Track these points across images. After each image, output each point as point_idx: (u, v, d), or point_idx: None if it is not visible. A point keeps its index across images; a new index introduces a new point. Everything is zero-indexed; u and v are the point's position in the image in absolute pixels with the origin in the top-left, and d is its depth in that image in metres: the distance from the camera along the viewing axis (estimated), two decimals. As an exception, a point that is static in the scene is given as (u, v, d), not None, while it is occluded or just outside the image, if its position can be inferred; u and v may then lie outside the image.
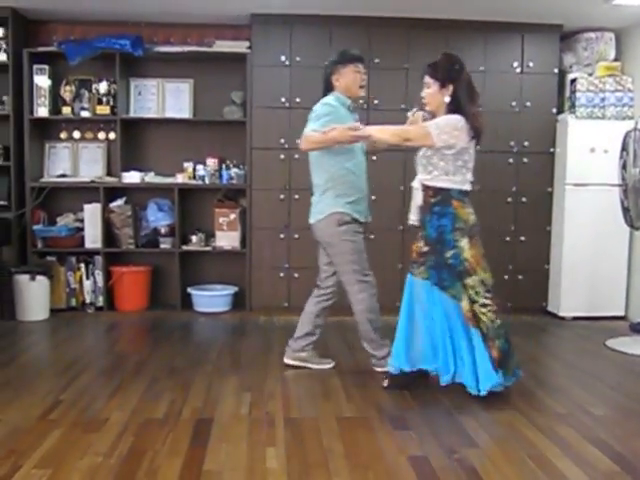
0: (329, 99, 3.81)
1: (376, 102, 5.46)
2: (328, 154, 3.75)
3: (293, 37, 5.39)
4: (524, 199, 5.65)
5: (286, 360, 4.04)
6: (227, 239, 5.62)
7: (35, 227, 5.49)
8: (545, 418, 3.24)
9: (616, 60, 5.62)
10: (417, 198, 3.54)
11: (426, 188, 3.48)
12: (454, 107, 3.43)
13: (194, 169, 5.65)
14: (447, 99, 3.44)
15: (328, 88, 3.87)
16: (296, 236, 5.50)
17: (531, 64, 5.59)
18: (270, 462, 2.69)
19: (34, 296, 5.22)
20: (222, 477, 2.54)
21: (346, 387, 3.64)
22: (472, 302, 3.41)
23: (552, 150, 5.65)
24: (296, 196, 5.46)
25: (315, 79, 5.34)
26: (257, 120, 5.48)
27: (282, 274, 5.54)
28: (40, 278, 5.23)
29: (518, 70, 5.60)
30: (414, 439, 2.94)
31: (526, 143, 5.61)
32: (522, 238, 5.67)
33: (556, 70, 5.64)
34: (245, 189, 5.57)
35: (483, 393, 3.33)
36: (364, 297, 3.84)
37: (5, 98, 5.38)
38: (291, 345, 4.04)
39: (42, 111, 5.47)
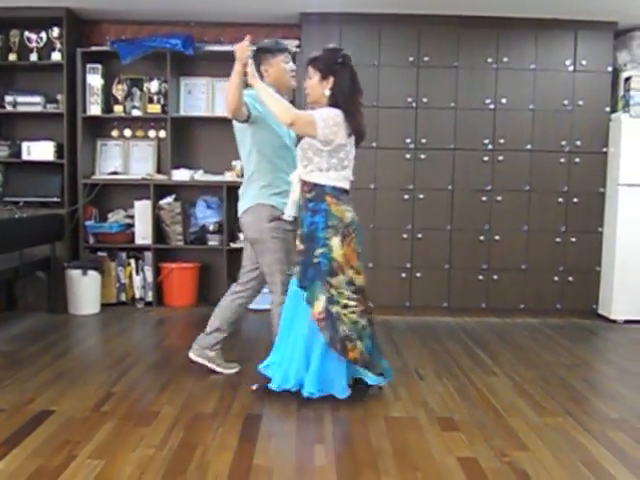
0: (252, 92, 3.50)
1: (425, 100, 5.42)
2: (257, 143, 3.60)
3: (342, 36, 5.39)
4: (575, 199, 5.54)
5: (191, 355, 3.82)
6: (274, 237, 5.64)
7: (87, 223, 5.61)
8: (598, 423, 3.17)
9: (672, 58, 5.48)
10: (294, 193, 3.42)
11: (303, 183, 3.37)
12: (333, 101, 3.32)
13: (242, 167, 5.68)
14: (327, 92, 3.33)
15: None
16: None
17: (584, 62, 5.48)
18: (319, 459, 2.70)
19: (85, 291, 5.34)
20: (272, 472, 2.56)
21: (393, 387, 3.61)
22: (332, 303, 3.26)
23: (605, 150, 5.53)
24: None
25: (364, 77, 5.36)
26: (305, 119, 5.48)
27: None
28: (91, 273, 5.34)
29: (571, 68, 5.49)
30: (463, 440, 2.91)
31: (578, 142, 5.51)
32: (573, 239, 5.56)
33: (610, 68, 5.51)
34: (292, 187, 5.59)
35: (343, 395, 3.29)
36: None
37: (59, 97, 5.52)
38: (199, 341, 3.83)
39: (95, 109, 5.58)
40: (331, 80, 3.32)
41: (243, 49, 3.36)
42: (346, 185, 3.39)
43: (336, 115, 3.26)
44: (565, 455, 2.78)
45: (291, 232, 3.65)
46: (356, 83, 3.37)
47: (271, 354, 3.49)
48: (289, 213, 3.47)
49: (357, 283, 3.32)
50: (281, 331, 3.45)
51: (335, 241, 3.28)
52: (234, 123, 3.62)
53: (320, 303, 3.27)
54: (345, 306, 3.28)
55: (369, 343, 3.33)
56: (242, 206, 3.70)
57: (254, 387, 3.49)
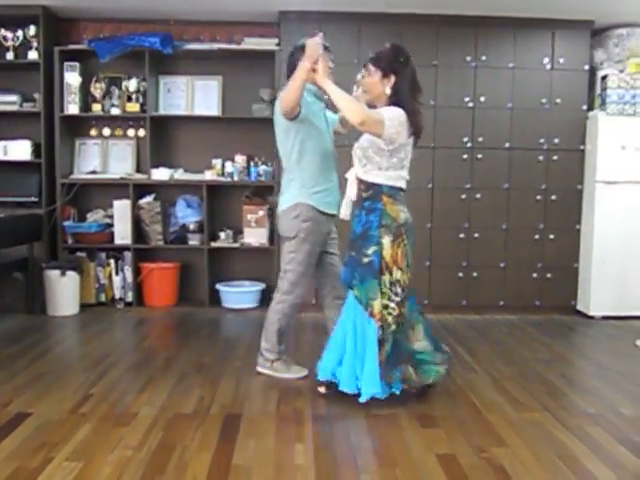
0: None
1: (404, 99, 5.43)
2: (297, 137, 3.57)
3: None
4: (554, 197, 5.59)
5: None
6: (255, 236, 5.63)
7: (65, 223, 5.56)
8: (575, 418, 3.21)
9: (648, 56, 5.53)
10: (350, 192, 3.41)
11: (359, 182, 3.36)
12: (394, 100, 3.30)
13: (223, 166, 5.68)
14: (388, 90, 3.31)
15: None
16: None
17: (562, 60, 5.53)
18: (298, 458, 2.70)
19: (64, 291, 5.29)
20: (251, 472, 2.56)
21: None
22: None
23: (582, 147, 5.58)
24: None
25: (343, 76, 5.36)
26: (285, 117, 5.48)
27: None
28: (70, 273, 5.30)
29: (548, 67, 5.53)
30: (442, 437, 2.93)
31: (556, 140, 5.56)
32: (551, 236, 5.61)
33: (587, 67, 5.57)
34: (273, 186, 5.58)
35: (363, 399, 3.21)
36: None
37: (36, 95, 5.46)
38: None
39: (72, 108, 5.53)
40: (392, 79, 3.30)
41: (315, 46, 3.32)
42: (403, 184, 3.37)
43: (400, 115, 3.24)
44: (542, 450, 2.81)
45: (326, 235, 3.67)
46: (416, 82, 3.35)
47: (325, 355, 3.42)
48: (345, 212, 3.45)
49: (402, 285, 3.31)
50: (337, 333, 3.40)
51: (386, 240, 3.27)
52: (279, 120, 3.59)
53: (378, 302, 3.25)
54: (385, 306, 3.27)
55: (389, 349, 3.28)
56: (282, 204, 3.67)
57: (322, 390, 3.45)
